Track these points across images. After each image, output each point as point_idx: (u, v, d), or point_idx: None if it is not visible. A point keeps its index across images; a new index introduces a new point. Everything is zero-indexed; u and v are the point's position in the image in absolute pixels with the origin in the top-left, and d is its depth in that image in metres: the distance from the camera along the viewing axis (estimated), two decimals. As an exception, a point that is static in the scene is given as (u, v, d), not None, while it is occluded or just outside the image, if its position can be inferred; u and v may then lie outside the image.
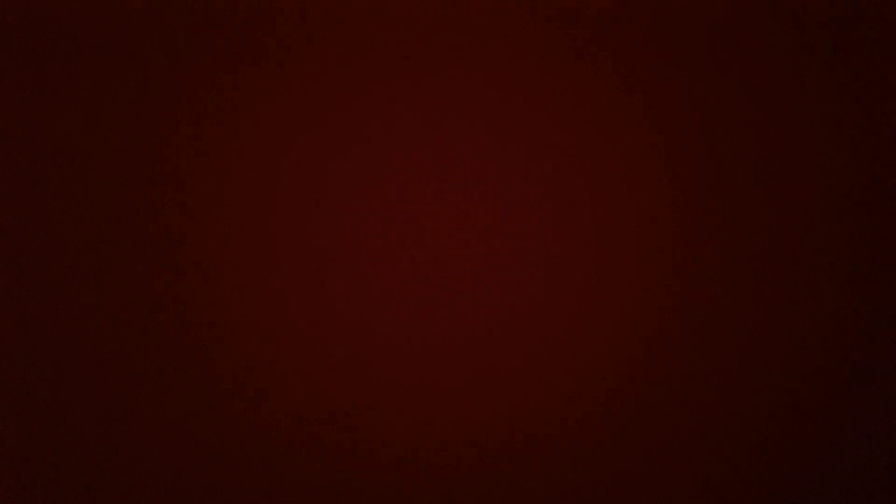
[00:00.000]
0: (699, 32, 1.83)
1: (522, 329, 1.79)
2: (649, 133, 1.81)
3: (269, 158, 1.75)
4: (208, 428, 1.74)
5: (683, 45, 1.82)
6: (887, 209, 1.85)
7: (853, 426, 1.84)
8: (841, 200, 1.85)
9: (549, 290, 1.79)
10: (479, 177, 1.78)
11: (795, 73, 1.84)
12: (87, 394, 1.72)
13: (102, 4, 1.73)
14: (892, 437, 1.84)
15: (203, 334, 1.74)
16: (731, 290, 1.83)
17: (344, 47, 1.77)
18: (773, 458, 1.83)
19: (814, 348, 1.84)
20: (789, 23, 1.84)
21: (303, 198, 1.76)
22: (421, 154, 1.78)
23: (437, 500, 1.77)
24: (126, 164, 1.74)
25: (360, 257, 1.76)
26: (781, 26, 1.84)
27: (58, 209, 1.72)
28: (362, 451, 1.76)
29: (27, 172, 1.72)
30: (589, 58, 1.80)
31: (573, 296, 1.80)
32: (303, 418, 1.75)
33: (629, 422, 1.81)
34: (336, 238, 1.76)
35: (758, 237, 1.83)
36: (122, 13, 1.74)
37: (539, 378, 1.79)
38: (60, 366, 1.72)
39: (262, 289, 1.75)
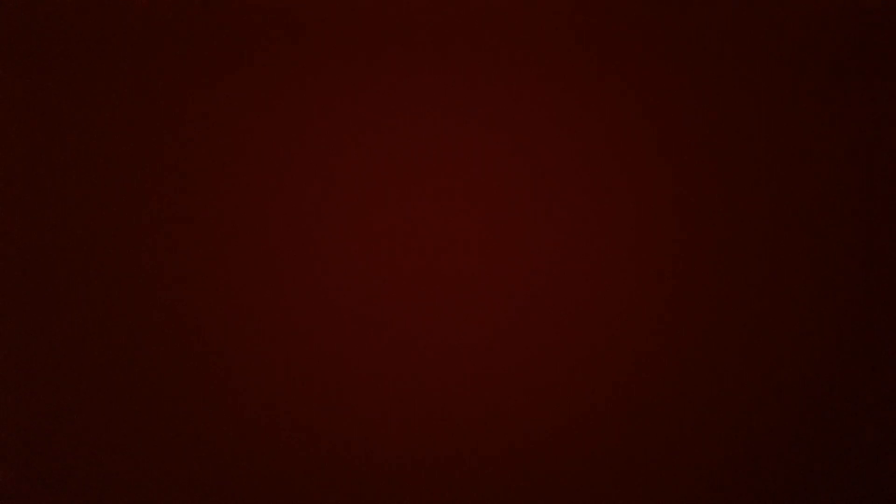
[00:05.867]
0: (700, 33, 1.83)
1: (523, 330, 1.79)
2: (651, 134, 1.81)
3: (268, 158, 1.75)
4: (207, 428, 1.74)
5: (684, 46, 1.82)
6: (887, 209, 1.85)
7: (853, 426, 1.84)
8: (842, 201, 1.84)
9: (551, 290, 1.79)
10: (481, 177, 1.78)
11: (797, 74, 1.84)
12: (87, 393, 1.72)
13: (103, 4, 1.73)
14: (892, 437, 1.84)
15: (202, 335, 1.74)
16: (732, 292, 1.82)
17: (345, 47, 1.77)
18: (773, 459, 1.83)
19: (814, 348, 1.84)
20: (791, 23, 1.84)
21: (303, 198, 1.76)
22: (421, 154, 1.78)
23: (438, 501, 1.78)
24: (125, 164, 1.74)
25: (360, 257, 1.77)
26: (782, 27, 1.84)
27: (58, 209, 1.73)
28: (364, 452, 1.76)
29: (27, 172, 1.72)
30: (592, 59, 1.80)
31: (575, 296, 1.80)
32: (303, 419, 1.75)
33: (630, 423, 1.81)
34: (337, 239, 1.76)
35: (759, 238, 1.83)
36: (122, 12, 1.74)
37: (540, 379, 1.79)
38: (58, 366, 1.72)
39: (262, 289, 1.75)
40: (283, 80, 1.76)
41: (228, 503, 1.74)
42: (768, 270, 1.83)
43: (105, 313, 1.73)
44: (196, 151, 1.74)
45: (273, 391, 1.75)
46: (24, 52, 1.73)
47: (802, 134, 1.84)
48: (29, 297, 1.72)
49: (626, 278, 1.81)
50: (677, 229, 1.82)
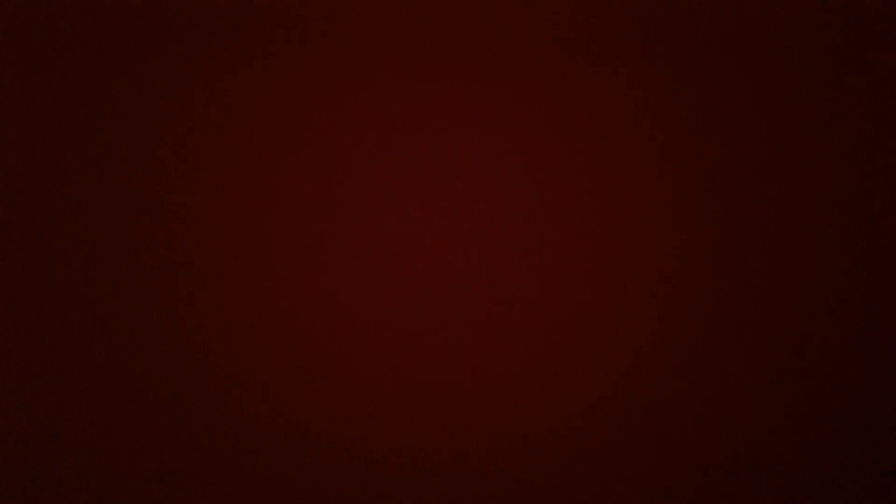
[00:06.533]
0: (699, 32, 1.83)
1: (523, 329, 1.79)
2: (650, 132, 1.82)
3: (269, 158, 1.76)
4: (208, 429, 1.74)
5: (683, 43, 1.82)
6: (887, 209, 1.85)
7: (853, 426, 1.84)
8: (841, 200, 1.85)
9: (551, 290, 1.80)
10: (481, 177, 1.79)
11: (796, 73, 1.85)
12: (87, 394, 1.72)
13: (104, 4, 1.73)
14: (892, 437, 1.84)
15: (203, 335, 1.74)
16: (730, 291, 1.83)
17: (345, 47, 1.77)
18: (772, 459, 1.83)
19: (814, 348, 1.84)
20: (791, 22, 1.85)
21: (303, 198, 1.76)
22: (422, 153, 1.78)
23: (437, 500, 1.78)
24: (127, 164, 1.74)
25: (361, 257, 1.77)
26: (782, 25, 1.84)
27: (61, 209, 1.73)
28: (364, 452, 1.77)
29: (29, 173, 1.72)
30: (592, 60, 1.81)
31: (575, 296, 1.80)
32: (303, 418, 1.75)
33: (629, 423, 1.81)
34: (337, 239, 1.76)
35: (758, 238, 1.83)
36: (123, 12, 1.74)
37: (540, 379, 1.79)
38: (60, 366, 1.72)
39: (263, 289, 1.75)
40: (285, 82, 1.76)
41: (230, 502, 1.75)
42: (768, 270, 1.84)
43: (107, 312, 1.73)
44: (199, 152, 1.74)
45: (273, 391, 1.75)
46: (24, 53, 1.73)
47: (802, 133, 1.85)
48: (30, 298, 1.72)
49: (626, 278, 1.81)
50: (677, 229, 1.82)
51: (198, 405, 1.74)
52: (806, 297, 1.84)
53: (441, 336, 1.78)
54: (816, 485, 1.84)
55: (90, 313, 1.73)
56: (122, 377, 1.73)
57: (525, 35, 1.79)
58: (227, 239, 1.75)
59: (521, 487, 1.79)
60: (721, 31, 1.83)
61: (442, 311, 1.78)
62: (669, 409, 1.81)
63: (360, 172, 1.77)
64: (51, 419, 1.72)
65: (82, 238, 1.73)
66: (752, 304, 1.83)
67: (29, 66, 1.73)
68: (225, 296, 1.74)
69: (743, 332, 1.83)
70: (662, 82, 1.82)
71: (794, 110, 1.84)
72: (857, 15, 1.84)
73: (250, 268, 1.75)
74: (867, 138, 1.85)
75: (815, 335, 1.84)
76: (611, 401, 1.81)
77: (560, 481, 1.80)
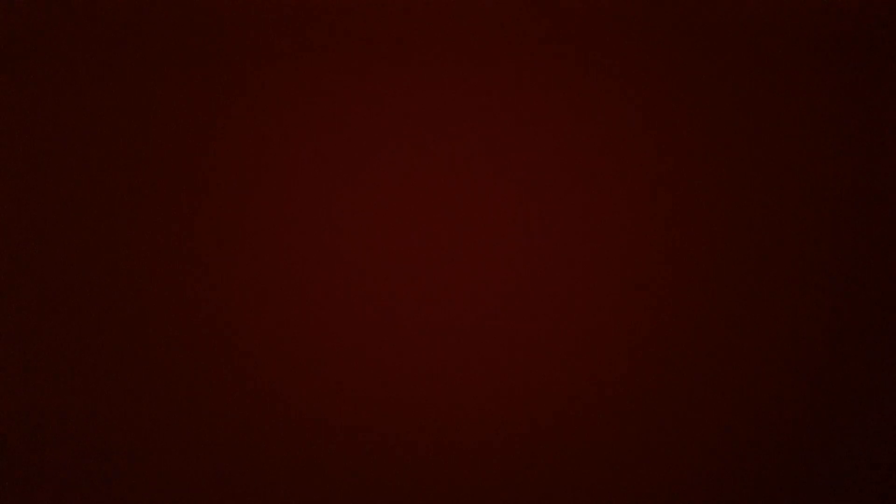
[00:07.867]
0: (698, 34, 1.82)
1: (523, 329, 1.79)
2: (649, 133, 1.81)
3: (274, 161, 1.76)
4: (213, 429, 1.75)
5: (682, 47, 1.82)
6: (887, 209, 1.84)
7: (853, 426, 1.84)
8: (841, 201, 1.84)
9: (550, 291, 1.79)
10: (482, 179, 1.79)
11: (795, 74, 1.84)
12: (98, 395, 1.73)
13: (112, 4, 1.74)
14: (892, 437, 1.84)
15: (210, 335, 1.74)
16: (728, 291, 1.82)
17: (349, 52, 1.77)
18: (771, 459, 1.83)
19: (812, 349, 1.84)
20: (789, 23, 1.84)
21: (305, 199, 1.76)
22: (422, 156, 1.78)
23: (436, 499, 1.78)
24: (137, 167, 1.74)
25: (363, 258, 1.77)
26: (781, 26, 1.84)
27: (69, 213, 1.73)
28: (366, 451, 1.77)
29: (35, 175, 1.73)
30: (591, 61, 1.80)
31: (575, 296, 1.80)
32: (306, 416, 1.76)
33: (625, 422, 1.81)
34: (338, 240, 1.76)
35: (756, 239, 1.83)
36: (132, 15, 1.74)
37: (538, 379, 1.79)
38: (70, 368, 1.73)
39: (267, 290, 1.75)
40: (291, 83, 1.76)
41: (238, 496, 1.75)
42: (767, 271, 1.83)
43: (115, 311, 1.73)
44: (203, 152, 1.75)
45: (277, 390, 1.75)
46: (28, 55, 1.73)
47: (802, 134, 1.84)
48: (36, 300, 1.73)
49: (626, 279, 1.81)
50: (674, 231, 1.82)
51: (205, 403, 1.74)
52: (806, 297, 1.84)
53: (441, 336, 1.78)
54: (816, 485, 1.83)
55: (97, 314, 1.73)
56: (128, 377, 1.73)
57: (526, 38, 1.79)
58: (231, 241, 1.75)
59: (521, 486, 1.79)
60: (719, 31, 1.82)
61: (443, 311, 1.78)
62: (668, 409, 1.81)
63: (363, 175, 1.77)
64: (54, 419, 1.72)
65: (89, 239, 1.73)
66: (751, 304, 1.83)
67: (33, 68, 1.73)
68: (232, 297, 1.75)
69: (742, 332, 1.82)
70: (659, 83, 1.81)
71: (794, 110, 1.84)
72: (859, 14, 1.84)
73: (257, 268, 1.75)
74: (867, 138, 1.85)
75: (815, 335, 1.84)
76: (611, 401, 1.80)
77: (560, 480, 1.80)
